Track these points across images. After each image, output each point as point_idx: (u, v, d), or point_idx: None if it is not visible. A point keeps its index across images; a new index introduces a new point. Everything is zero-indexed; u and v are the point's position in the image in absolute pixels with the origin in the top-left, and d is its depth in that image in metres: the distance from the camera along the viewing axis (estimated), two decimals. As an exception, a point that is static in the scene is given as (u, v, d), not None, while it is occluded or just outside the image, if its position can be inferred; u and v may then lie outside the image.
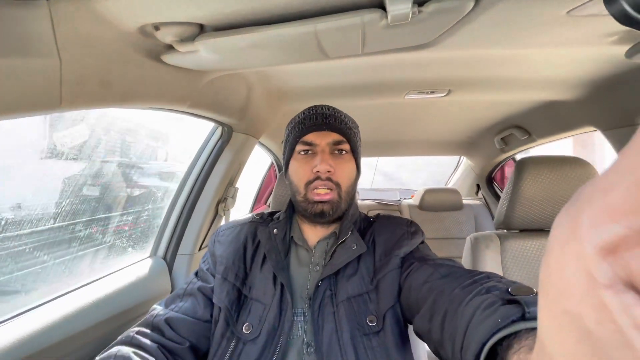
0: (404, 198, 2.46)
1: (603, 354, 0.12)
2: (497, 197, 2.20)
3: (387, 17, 0.50)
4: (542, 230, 1.05)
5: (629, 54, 0.68)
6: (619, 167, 0.12)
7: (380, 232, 0.68)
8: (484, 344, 0.34)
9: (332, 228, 0.70)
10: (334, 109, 0.71)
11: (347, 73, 0.98)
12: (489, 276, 0.47)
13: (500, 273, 1.03)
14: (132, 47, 0.57)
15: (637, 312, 0.11)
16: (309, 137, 0.67)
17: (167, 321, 0.61)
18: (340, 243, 0.65)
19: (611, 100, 1.00)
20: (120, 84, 0.58)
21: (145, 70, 0.62)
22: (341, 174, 0.66)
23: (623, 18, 0.32)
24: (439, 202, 2.13)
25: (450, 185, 2.78)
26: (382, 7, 0.49)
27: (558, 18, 0.54)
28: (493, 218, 2.16)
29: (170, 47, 0.60)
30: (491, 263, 1.04)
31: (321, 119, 0.68)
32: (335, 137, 0.67)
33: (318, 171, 0.64)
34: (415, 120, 1.62)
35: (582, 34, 0.62)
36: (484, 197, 2.31)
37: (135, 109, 0.69)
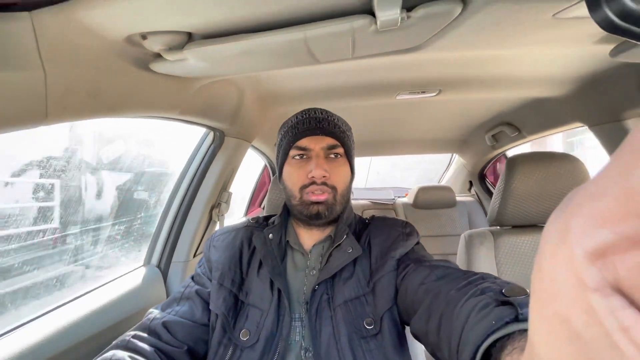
0: (398, 197, 2.47)
1: (591, 356, 0.12)
2: (489, 193, 2.22)
3: (376, 22, 0.50)
4: (534, 225, 1.07)
5: (613, 53, 0.69)
6: (609, 172, 0.12)
7: (375, 234, 0.68)
8: (478, 347, 0.34)
9: (328, 231, 0.70)
10: (326, 112, 0.70)
11: (338, 75, 0.98)
12: (484, 277, 0.48)
13: (494, 269, 1.05)
14: (120, 56, 0.56)
15: (623, 315, 0.11)
16: (303, 142, 0.66)
17: (165, 325, 0.60)
18: (336, 247, 0.65)
19: (597, 97, 1.02)
20: (108, 94, 0.57)
21: (133, 80, 0.61)
22: (336, 178, 0.66)
23: (607, 26, 0.32)
24: (432, 200, 2.14)
25: (443, 183, 2.81)
26: (372, 13, 0.49)
27: (544, 21, 0.55)
28: (486, 214, 2.20)
29: (158, 56, 0.59)
30: (485, 259, 1.05)
31: (315, 123, 0.67)
32: (330, 141, 0.67)
33: (313, 176, 0.64)
34: (407, 119, 1.63)
35: (568, 35, 0.63)
36: (476, 193, 2.34)
37: (124, 118, 0.67)
